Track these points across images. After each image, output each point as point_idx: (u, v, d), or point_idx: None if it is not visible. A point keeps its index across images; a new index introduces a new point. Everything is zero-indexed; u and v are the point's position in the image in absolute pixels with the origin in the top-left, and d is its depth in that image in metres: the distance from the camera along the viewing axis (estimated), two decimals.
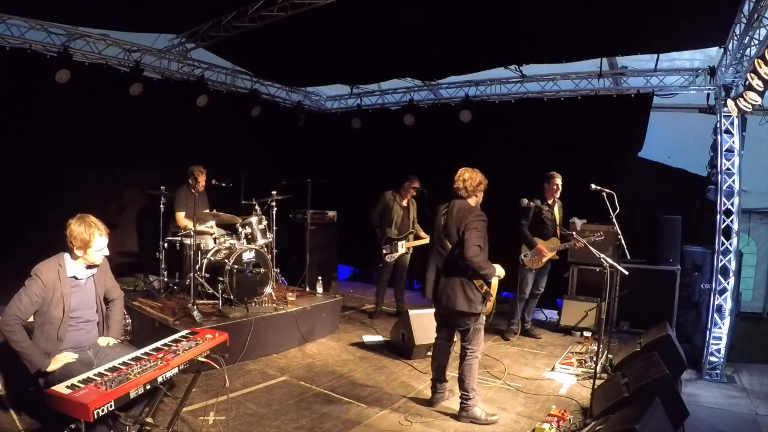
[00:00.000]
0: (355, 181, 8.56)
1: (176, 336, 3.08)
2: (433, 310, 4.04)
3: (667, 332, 4.32)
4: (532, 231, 5.41)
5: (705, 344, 5.39)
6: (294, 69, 7.43)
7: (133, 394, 2.39)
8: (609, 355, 4.70)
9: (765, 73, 3.87)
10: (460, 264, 3.56)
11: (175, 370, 2.68)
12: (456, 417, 3.70)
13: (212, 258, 5.34)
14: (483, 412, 3.68)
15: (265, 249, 5.59)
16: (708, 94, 6.11)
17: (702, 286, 5.66)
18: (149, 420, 2.98)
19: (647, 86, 6.42)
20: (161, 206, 5.70)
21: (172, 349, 2.83)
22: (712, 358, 5.36)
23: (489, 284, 3.63)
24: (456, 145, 7.46)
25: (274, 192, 5.95)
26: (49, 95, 5.61)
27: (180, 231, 5.72)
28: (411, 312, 4.95)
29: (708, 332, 5.39)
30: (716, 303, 5.41)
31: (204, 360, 2.86)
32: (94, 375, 2.47)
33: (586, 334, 5.42)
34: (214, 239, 5.60)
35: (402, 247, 6.26)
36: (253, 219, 5.65)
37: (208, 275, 5.31)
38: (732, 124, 5.46)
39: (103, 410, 2.21)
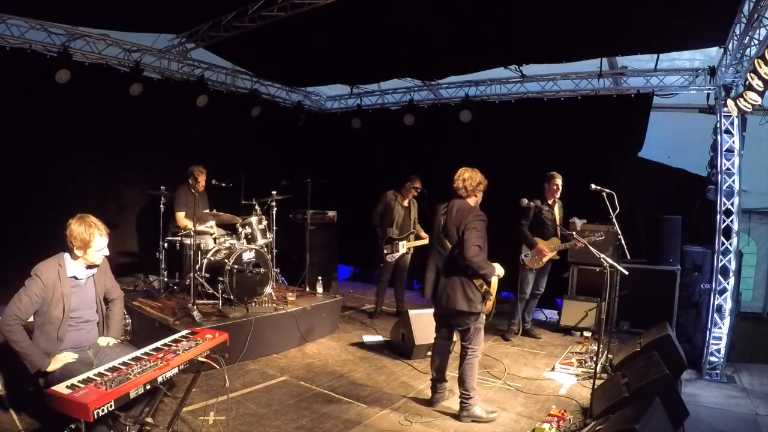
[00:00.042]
0: (355, 181, 8.56)
1: (176, 336, 3.08)
2: (432, 310, 4.04)
3: (667, 332, 4.32)
4: (533, 231, 5.40)
5: (705, 344, 5.39)
6: (294, 69, 7.43)
7: (133, 394, 2.38)
8: (609, 355, 4.70)
9: (765, 73, 3.87)
10: (459, 263, 3.56)
11: (175, 370, 2.68)
12: (456, 417, 3.70)
13: (212, 258, 5.34)
14: (483, 410, 3.70)
15: (265, 249, 5.59)
16: (708, 94, 6.11)
17: (702, 286, 5.66)
18: (149, 420, 2.98)
19: (647, 86, 6.42)
20: (161, 206, 5.70)
21: (172, 349, 2.83)
22: (712, 358, 5.36)
23: (489, 283, 3.64)
24: (456, 145, 7.47)
25: (274, 192, 5.95)
26: (49, 95, 5.61)
27: (180, 231, 5.72)
28: (411, 312, 4.95)
29: (708, 332, 5.39)
30: (716, 303, 5.41)
31: (204, 360, 2.86)
32: (94, 375, 2.47)
33: (586, 334, 5.42)
34: (214, 239, 5.60)
35: (403, 247, 6.26)
36: (253, 219, 5.65)
37: (208, 275, 5.31)
38: (732, 124, 5.46)
39: (103, 410, 2.21)
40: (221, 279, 4.98)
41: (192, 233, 5.23)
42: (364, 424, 3.60)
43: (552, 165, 5.64)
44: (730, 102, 5.06)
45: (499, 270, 3.69)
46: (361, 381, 4.41)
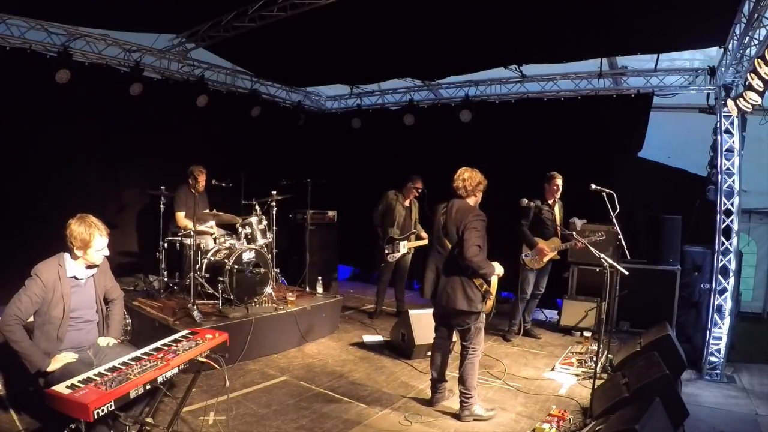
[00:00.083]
0: (355, 181, 8.56)
1: (176, 336, 3.08)
2: (432, 310, 4.04)
3: (667, 332, 4.32)
4: (533, 231, 5.40)
5: (705, 344, 5.39)
6: (294, 69, 7.43)
7: (133, 394, 2.38)
8: (609, 355, 4.70)
9: (765, 73, 3.87)
10: (459, 263, 3.56)
11: (175, 370, 2.68)
12: (457, 416, 3.71)
13: (212, 258, 5.34)
14: (482, 408, 3.73)
15: (265, 249, 5.59)
16: (708, 94, 6.11)
17: (702, 286, 5.65)
18: (149, 420, 2.98)
19: (647, 86, 6.42)
20: (161, 206, 5.70)
21: (172, 349, 2.83)
22: (712, 358, 5.36)
23: (489, 283, 3.64)
24: (456, 145, 7.47)
25: (274, 192, 5.95)
26: (49, 95, 5.61)
27: (180, 231, 5.72)
28: (411, 312, 4.95)
29: (708, 332, 5.39)
30: (716, 303, 5.41)
31: (204, 360, 2.86)
32: (94, 375, 2.47)
33: (586, 334, 5.42)
34: (214, 239, 5.60)
35: (404, 247, 6.26)
36: (253, 219, 5.65)
37: (208, 275, 5.31)
38: (732, 124, 5.46)
39: (103, 410, 2.21)
40: (221, 279, 4.99)
41: (192, 233, 5.23)
42: (364, 424, 3.60)
43: (552, 165, 5.64)
44: (730, 102, 5.06)
45: (498, 269, 3.69)
46: (361, 381, 4.41)
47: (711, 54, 5.89)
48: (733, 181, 5.42)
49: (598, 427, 3.22)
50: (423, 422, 3.66)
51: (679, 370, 4.24)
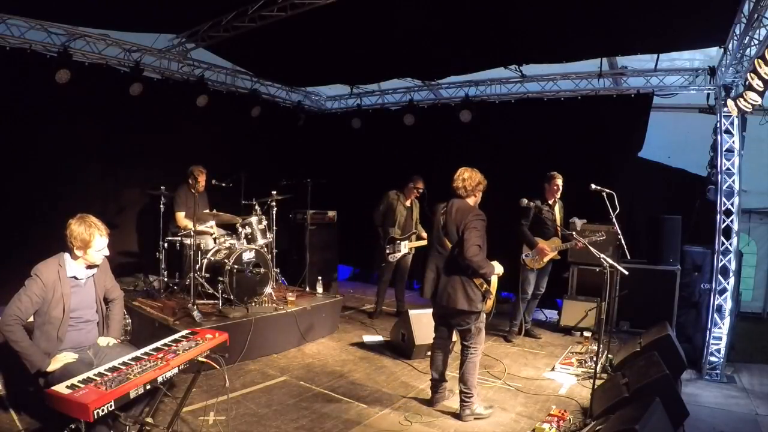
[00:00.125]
0: (355, 181, 8.56)
1: (176, 336, 3.08)
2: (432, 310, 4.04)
3: (667, 332, 4.32)
4: (533, 231, 5.39)
5: (705, 344, 5.39)
6: (294, 69, 7.43)
7: (133, 394, 2.38)
8: (609, 355, 4.70)
9: (765, 73, 3.87)
10: (459, 263, 3.57)
11: (175, 370, 2.68)
12: (457, 416, 3.71)
13: (212, 258, 5.34)
14: (481, 407, 3.76)
15: (265, 249, 5.59)
16: (708, 94, 6.11)
17: (702, 286, 5.66)
18: (149, 420, 2.98)
19: (647, 86, 6.42)
20: (161, 206, 5.70)
21: (172, 349, 2.83)
22: (712, 358, 5.36)
23: (488, 282, 3.64)
24: (456, 145, 7.47)
25: (274, 192, 5.95)
26: (49, 95, 5.61)
27: (180, 231, 5.72)
28: (411, 312, 4.95)
29: (708, 332, 5.40)
30: (716, 303, 5.42)
31: (204, 360, 2.86)
32: (94, 375, 2.47)
33: (586, 334, 5.42)
34: (214, 239, 5.60)
35: (405, 247, 6.27)
36: (253, 219, 5.65)
37: (208, 275, 5.31)
38: (732, 124, 5.46)
39: (103, 410, 2.21)
40: (221, 279, 4.99)
41: (192, 233, 5.23)
42: (364, 424, 3.60)
43: (552, 165, 5.63)
44: (730, 102, 5.06)
45: (498, 269, 3.69)
46: (361, 381, 4.41)
47: (711, 54, 5.89)
48: (733, 181, 5.42)
49: (598, 427, 3.22)
50: (423, 422, 3.66)
51: (679, 370, 4.24)
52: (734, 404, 4.69)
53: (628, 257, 4.81)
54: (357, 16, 5.19)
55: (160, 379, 2.55)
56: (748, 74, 4.23)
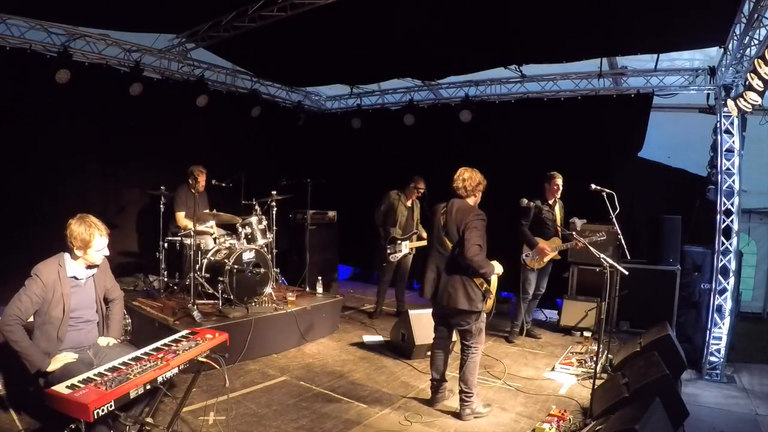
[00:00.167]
0: (355, 181, 8.56)
1: (176, 336, 3.08)
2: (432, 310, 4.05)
3: (667, 332, 4.32)
4: (533, 231, 5.39)
5: (705, 344, 5.39)
6: (294, 69, 7.43)
7: (133, 394, 2.38)
8: (609, 355, 4.70)
9: (765, 73, 3.87)
10: (460, 263, 3.58)
11: (175, 370, 2.68)
12: (458, 415, 3.72)
13: (212, 258, 5.34)
14: (480, 405, 3.78)
15: (265, 249, 5.59)
16: (708, 94, 6.11)
17: (702, 286, 5.66)
18: (149, 420, 2.98)
19: (647, 86, 6.42)
20: (161, 206, 5.70)
21: (172, 349, 2.83)
22: (712, 358, 5.36)
23: (488, 282, 3.65)
24: (456, 145, 7.47)
25: (274, 192, 5.95)
26: (49, 95, 5.61)
27: (180, 231, 5.72)
28: (411, 312, 4.95)
29: (708, 332, 5.40)
30: (716, 303, 5.42)
31: (204, 360, 2.86)
32: (94, 375, 2.47)
33: (586, 334, 5.42)
34: (214, 239, 5.60)
35: (406, 247, 6.27)
36: (253, 219, 5.65)
37: (208, 275, 5.31)
38: (732, 124, 5.46)
39: (103, 410, 2.21)
40: (221, 279, 4.98)
41: (192, 233, 5.23)
42: (364, 424, 3.60)
43: (552, 165, 5.63)
44: (730, 102, 5.06)
45: (498, 269, 3.70)
46: (361, 381, 4.41)
47: (711, 54, 5.89)
48: (733, 181, 5.42)
49: (598, 427, 3.22)
50: (423, 422, 3.66)
51: (679, 370, 4.24)
52: (734, 404, 4.69)
53: (628, 257, 4.81)
54: (357, 16, 5.18)
55: (160, 379, 2.55)
56: (748, 74, 4.23)
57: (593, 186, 4.62)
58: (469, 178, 3.71)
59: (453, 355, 4.05)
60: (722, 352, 5.35)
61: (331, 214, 7.70)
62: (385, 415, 3.76)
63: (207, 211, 5.71)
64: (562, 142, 6.75)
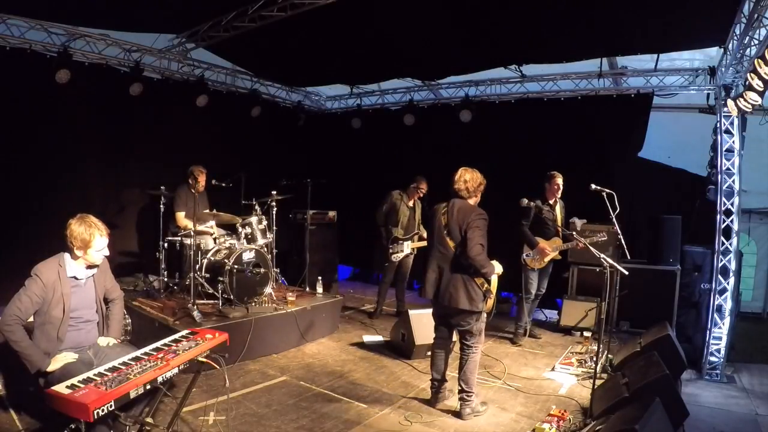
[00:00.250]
0: (355, 181, 8.57)
1: (176, 336, 3.08)
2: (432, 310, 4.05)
3: (667, 332, 4.32)
4: (534, 231, 5.38)
5: (705, 344, 5.39)
6: (294, 69, 7.43)
7: (133, 394, 2.38)
8: (609, 355, 4.70)
9: (765, 73, 3.87)
10: (462, 262, 3.59)
11: (175, 370, 2.68)
12: (458, 415, 3.72)
13: (212, 258, 5.33)
14: (478, 404, 3.80)
15: (265, 249, 5.59)
16: (708, 94, 6.11)
17: (702, 286, 5.66)
18: (149, 420, 2.98)
19: (647, 86, 6.42)
20: (161, 206, 5.70)
21: (172, 349, 2.83)
22: (712, 358, 5.36)
23: (489, 282, 3.65)
24: (456, 145, 7.47)
25: (274, 192, 5.95)
26: (49, 95, 5.61)
27: (180, 231, 5.72)
28: (411, 312, 4.96)
29: (708, 332, 5.39)
30: (716, 303, 5.41)
31: (204, 360, 2.86)
32: (94, 375, 2.47)
33: (586, 334, 5.42)
34: (214, 239, 5.60)
35: (407, 247, 6.27)
36: (253, 219, 5.65)
37: (208, 275, 5.31)
38: (732, 124, 5.46)
39: (103, 410, 2.21)
40: (221, 279, 4.98)
41: (192, 233, 5.23)
42: (364, 424, 3.60)
43: (552, 165, 5.63)
44: (730, 102, 5.06)
45: (498, 268, 3.71)
46: (361, 381, 4.41)
47: (711, 54, 5.89)
48: (733, 181, 5.42)
49: (598, 427, 3.22)
50: (423, 422, 3.66)
51: (679, 370, 4.23)
52: (734, 404, 4.69)
53: (628, 257, 4.81)
54: (357, 16, 5.18)
55: (160, 379, 2.55)
56: (748, 74, 4.23)
57: (593, 186, 4.62)
58: (470, 180, 3.72)
59: (453, 355, 4.05)
60: (722, 352, 5.35)
61: (331, 214, 7.70)
62: (385, 415, 3.76)
63: (207, 211, 5.71)
64: (562, 142, 6.75)
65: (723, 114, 5.46)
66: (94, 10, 5.21)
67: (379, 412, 3.81)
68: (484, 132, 7.38)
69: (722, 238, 5.42)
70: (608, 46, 5.74)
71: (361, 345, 5.41)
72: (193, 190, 5.69)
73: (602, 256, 3.97)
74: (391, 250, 6.20)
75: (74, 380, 2.40)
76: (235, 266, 5.05)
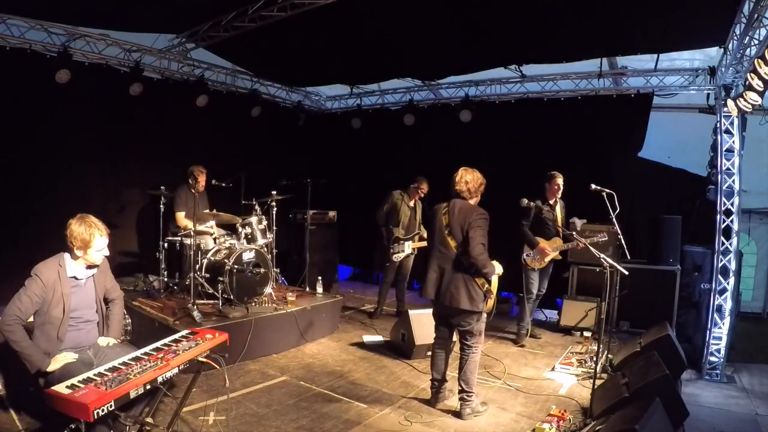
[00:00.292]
0: (355, 181, 8.57)
1: (176, 336, 3.08)
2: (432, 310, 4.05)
3: (667, 332, 4.32)
4: (534, 231, 5.37)
5: (705, 344, 5.39)
6: (294, 69, 7.43)
7: (133, 394, 2.39)
8: (609, 355, 4.70)
9: (765, 73, 3.87)
10: (463, 262, 3.59)
11: (175, 370, 2.68)
12: (458, 415, 3.72)
13: (212, 258, 5.33)
14: (478, 404, 3.80)
15: (265, 249, 5.59)
16: (708, 94, 6.11)
17: (702, 286, 5.66)
18: (149, 420, 2.98)
19: (647, 86, 6.42)
20: (161, 206, 5.70)
21: (172, 349, 2.83)
22: (712, 358, 5.36)
23: (490, 282, 3.66)
24: (456, 145, 7.46)
25: (274, 192, 5.95)
26: (49, 95, 5.61)
27: (180, 231, 5.72)
28: (411, 312, 4.95)
29: (708, 332, 5.40)
30: (716, 303, 5.42)
31: (204, 360, 2.86)
32: (94, 375, 2.47)
33: (586, 334, 5.42)
34: (214, 239, 5.60)
35: (408, 247, 6.27)
36: (253, 219, 5.65)
37: (208, 275, 5.31)
38: (732, 124, 5.46)
39: (103, 410, 2.21)
40: (221, 279, 4.98)
41: (192, 233, 5.23)
42: (364, 424, 3.60)
43: (552, 165, 5.63)
44: (730, 102, 5.06)
45: (498, 268, 3.72)
46: (361, 381, 4.41)
47: (711, 54, 5.89)
48: (733, 181, 5.42)
49: (598, 427, 3.22)
50: (423, 422, 3.66)
51: (679, 370, 4.23)
52: (734, 404, 4.69)
53: (628, 257, 4.81)
54: (357, 16, 5.18)
55: (160, 379, 2.55)
56: (748, 74, 4.23)
57: (593, 186, 4.62)
58: (471, 180, 3.73)
59: (453, 355, 4.05)
60: (722, 352, 5.35)
61: (331, 214, 7.70)
62: (385, 415, 3.76)
63: (207, 211, 5.71)
64: (562, 142, 6.75)
65: (723, 114, 5.46)
66: (94, 10, 5.21)
67: (379, 412, 3.81)
68: (484, 132, 7.38)
69: (722, 238, 5.42)
70: (608, 46, 5.74)
71: (361, 345, 5.41)
72: (193, 190, 5.69)
73: (602, 256, 3.97)
74: (392, 250, 6.20)
75: (74, 380, 2.40)
76: (235, 266, 5.05)
